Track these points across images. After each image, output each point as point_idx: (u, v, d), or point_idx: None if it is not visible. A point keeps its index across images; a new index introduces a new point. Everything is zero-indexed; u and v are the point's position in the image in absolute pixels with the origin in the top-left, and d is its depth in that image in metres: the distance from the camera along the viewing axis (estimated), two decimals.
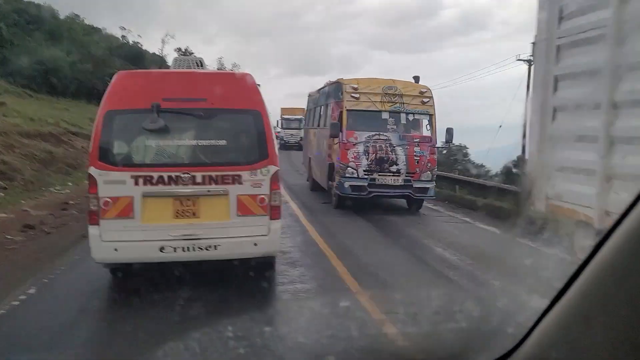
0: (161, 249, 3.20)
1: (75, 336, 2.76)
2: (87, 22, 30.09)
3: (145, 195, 3.22)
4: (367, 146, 6.94)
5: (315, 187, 9.08)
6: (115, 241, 3.18)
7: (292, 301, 3.38)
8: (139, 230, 3.20)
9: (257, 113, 3.39)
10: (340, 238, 5.48)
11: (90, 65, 23.19)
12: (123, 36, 33.57)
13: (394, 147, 6.98)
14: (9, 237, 5.01)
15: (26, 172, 8.37)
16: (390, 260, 4.75)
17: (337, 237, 5.47)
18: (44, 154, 9.90)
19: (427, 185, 7.09)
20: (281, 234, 3.62)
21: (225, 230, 3.29)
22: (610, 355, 0.60)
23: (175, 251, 3.22)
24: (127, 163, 3.27)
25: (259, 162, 3.35)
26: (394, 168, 6.97)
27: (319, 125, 8.93)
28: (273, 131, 3.59)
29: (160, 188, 3.23)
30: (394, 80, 7.41)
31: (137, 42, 34.62)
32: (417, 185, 7.02)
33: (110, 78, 3.46)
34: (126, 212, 3.18)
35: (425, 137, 7.26)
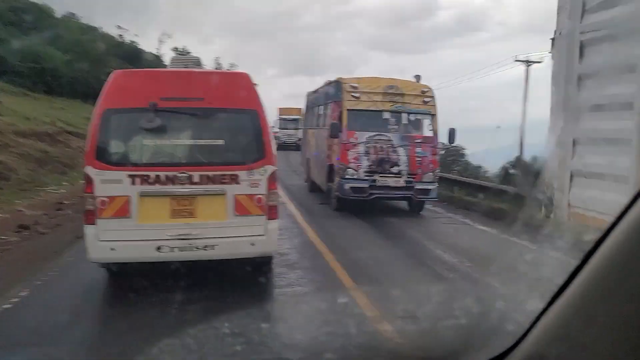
0: (158, 249, 3.22)
1: (69, 339, 2.76)
2: (83, 21, 30.22)
3: (142, 195, 3.23)
4: (368, 147, 6.90)
5: (313, 188, 9.05)
6: (112, 241, 3.20)
7: (289, 303, 3.38)
8: (136, 229, 3.22)
9: (255, 112, 3.41)
10: (339, 240, 5.48)
11: (87, 65, 23.26)
12: (120, 35, 33.74)
13: (395, 147, 6.94)
14: (3, 237, 5.01)
15: (21, 172, 8.38)
16: (389, 261, 4.75)
17: (336, 239, 5.47)
18: (40, 154, 9.91)
19: (429, 187, 7.04)
20: (279, 235, 3.63)
21: (222, 230, 3.31)
22: (610, 352, 0.60)
23: (172, 251, 3.24)
24: (124, 162, 3.29)
25: (256, 161, 3.37)
26: (395, 169, 6.92)
27: (318, 126, 8.89)
28: (271, 131, 3.61)
29: (157, 187, 3.25)
30: (394, 80, 7.37)
31: (134, 42, 34.81)
32: (419, 186, 6.97)
33: (107, 77, 3.47)
34: (123, 211, 3.19)
35: (427, 137, 7.21)
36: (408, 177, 6.94)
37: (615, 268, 0.59)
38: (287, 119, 22.64)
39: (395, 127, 7.11)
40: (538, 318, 0.71)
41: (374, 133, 6.94)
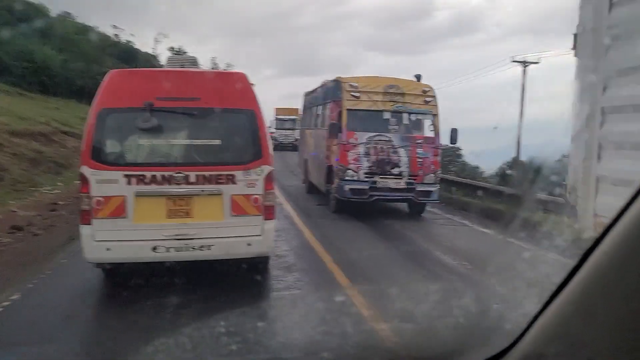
0: (154, 249, 3.23)
1: (60, 343, 2.75)
2: (78, 20, 30.33)
3: (138, 195, 3.25)
4: (368, 147, 6.84)
5: (311, 189, 9.02)
6: (108, 241, 3.22)
7: (288, 306, 3.38)
8: (132, 229, 3.23)
9: (252, 112, 3.44)
10: (337, 241, 5.48)
11: (82, 64, 23.31)
12: (115, 35, 33.87)
13: (396, 148, 6.89)
14: None
15: (15, 172, 8.39)
16: (388, 263, 4.76)
17: (334, 241, 5.47)
18: (34, 154, 9.92)
19: (431, 189, 6.98)
20: (276, 237, 3.63)
21: (218, 230, 3.33)
22: (609, 350, 0.61)
23: (168, 251, 3.25)
24: (120, 162, 3.31)
25: (253, 161, 3.40)
26: (396, 170, 6.87)
27: (316, 126, 8.85)
28: (267, 131, 3.63)
29: (153, 187, 3.27)
30: (395, 79, 7.32)
31: (130, 41, 34.95)
32: (420, 188, 6.91)
33: (102, 77, 3.49)
34: (119, 211, 3.21)
35: (428, 138, 7.16)
36: (409, 179, 6.90)
37: (614, 267, 0.60)
38: (284, 119, 22.80)
39: (396, 127, 7.06)
40: (536, 317, 0.72)
41: (374, 133, 6.89)
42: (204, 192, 3.34)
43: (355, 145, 6.83)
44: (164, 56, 34.66)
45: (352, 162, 6.82)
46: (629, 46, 2.98)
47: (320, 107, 8.64)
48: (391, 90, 7.06)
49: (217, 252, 3.34)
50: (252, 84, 3.61)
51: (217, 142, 3.49)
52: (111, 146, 3.35)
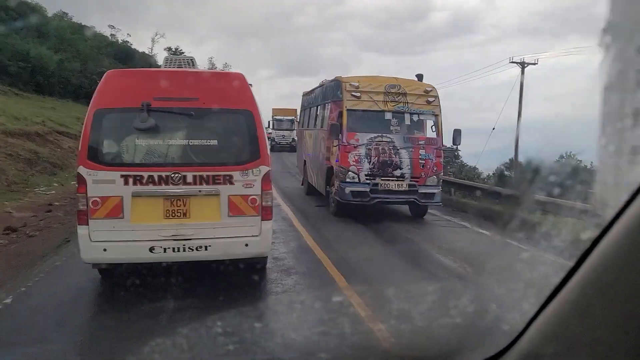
0: (151, 250, 3.26)
1: (52, 349, 2.75)
2: (75, 20, 30.51)
3: (135, 195, 3.27)
4: (369, 149, 6.77)
5: (310, 191, 8.98)
6: (104, 241, 3.24)
7: (286, 310, 3.39)
8: (129, 230, 3.26)
9: (249, 113, 3.48)
10: (336, 243, 5.49)
11: (78, 64, 23.42)
12: (112, 34, 34.07)
13: (398, 149, 6.83)
14: None
15: (10, 172, 8.41)
16: (388, 264, 4.77)
17: (333, 243, 5.48)
18: (29, 154, 9.96)
19: (433, 191, 6.93)
20: (274, 239, 3.65)
21: (216, 230, 3.36)
22: (606, 351, 0.62)
23: (165, 252, 3.28)
24: (117, 162, 3.33)
25: (250, 162, 3.43)
26: (397, 172, 6.81)
27: (315, 126, 8.81)
28: (265, 131, 3.65)
29: (150, 188, 3.29)
30: (396, 79, 7.15)
31: (127, 41, 35.16)
32: (422, 190, 6.83)
33: (99, 77, 3.53)
34: (115, 212, 3.24)
35: (430, 139, 7.10)
36: (411, 181, 6.84)
37: (611, 268, 0.61)
38: (282, 120, 22.99)
39: (398, 128, 7.01)
40: (534, 317, 0.73)
41: (376, 134, 6.84)
42: (201, 192, 3.36)
43: (356, 147, 6.78)
44: (160, 56, 34.99)
45: (353, 163, 6.77)
46: None
47: (319, 108, 8.60)
48: (393, 90, 7.00)
49: (214, 252, 3.37)
50: (250, 84, 3.65)
51: (215, 142, 3.52)
52: (108, 146, 3.38)
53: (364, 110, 6.96)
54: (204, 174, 3.36)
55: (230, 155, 3.52)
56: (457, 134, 7.25)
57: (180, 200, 3.34)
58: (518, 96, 17.63)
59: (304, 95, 10.73)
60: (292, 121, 22.37)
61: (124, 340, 2.56)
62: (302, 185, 9.91)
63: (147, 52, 37.21)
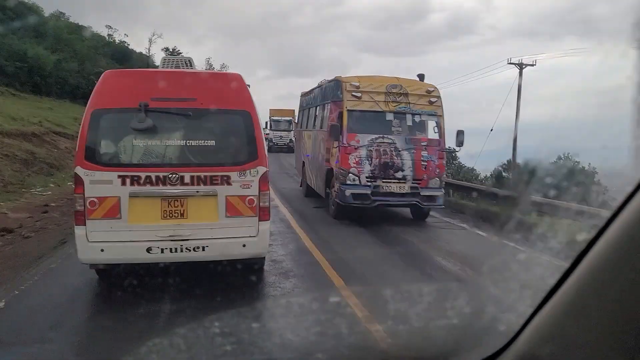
0: (148, 250, 3.29)
1: (50, 348, 2.77)
2: (72, 19, 30.71)
3: (133, 196, 3.31)
4: (370, 150, 6.67)
5: (309, 193, 8.95)
6: (102, 242, 3.27)
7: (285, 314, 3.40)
8: (126, 230, 3.29)
9: (247, 113, 3.51)
10: (334, 245, 5.51)
11: (76, 64, 23.54)
12: (109, 35, 34.29)
13: (400, 151, 6.77)
14: None
15: (6, 173, 8.45)
16: (386, 265, 4.79)
17: (331, 245, 5.49)
18: (26, 154, 10.00)
19: (436, 193, 6.87)
20: (272, 241, 3.66)
21: (213, 231, 3.39)
22: (602, 351, 0.63)
23: (162, 252, 3.31)
24: (114, 163, 3.37)
25: (248, 162, 3.47)
26: (399, 174, 6.74)
27: (314, 127, 8.77)
28: (262, 132, 3.69)
29: (147, 188, 3.32)
30: (398, 78, 7.09)
31: (124, 41, 35.37)
32: (424, 193, 6.75)
33: (96, 77, 3.58)
34: (113, 212, 3.27)
35: (433, 140, 7.05)
36: (413, 183, 6.78)
37: (607, 268, 0.62)
38: (279, 120, 23.14)
39: (399, 129, 6.95)
40: (530, 318, 0.75)
41: (377, 135, 6.77)
42: (198, 193, 3.40)
43: (356, 148, 6.72)
44: (158, 56, 35.23)
45: (354, 165, 6.70)
46: None
47: (318, 108, 8.55)
48: (394, 90, 6.94)
49: (211, 253, 3.40)
50: (248, 85, 3.68)
51: (212, 142, 3.55)
52: (105, 147, 3.41)
53: (364, 111, 6.89)
54: (202, 174, 3.39)
55: (228, 155, 3.56)
56: (460, 135, 7.17)
57: (177, 200, 3.36)
58: (516, 97, 17.75)
59: (302, 96, 10.68)
60: (289, 122, 22.55)
61: (121, 341, 2.58)
62: (300, 186, 9.88)
63: (144, 52, 37.48)
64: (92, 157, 3.31)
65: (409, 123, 7.07)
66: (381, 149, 6.76)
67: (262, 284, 3.95)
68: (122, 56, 32.19)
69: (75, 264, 3.53)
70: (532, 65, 18.36)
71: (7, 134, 10.43)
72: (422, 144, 6.95)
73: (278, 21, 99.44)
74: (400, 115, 6.99)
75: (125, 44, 36.16)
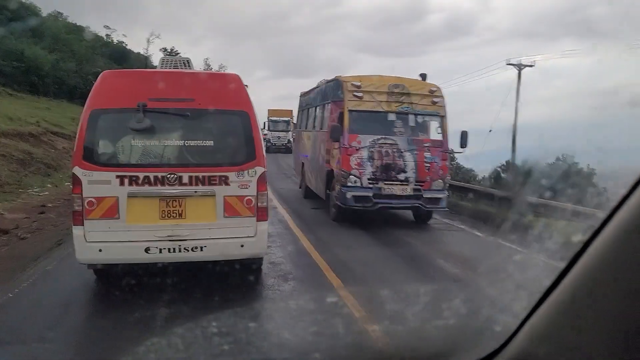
0: (146, 250, 3.33)
1: (48, 347, 2.79)
2: (70, 20, 30.92)
3: (131, 196, 3.34)
4: (372, 151, 6.59)
5: (308, 194, 8.93)
6: (100, 242, 3.31)
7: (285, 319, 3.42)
8: (124, 230, 3.33)
9: (245, 114, 3.56)
10: (333, 247, 5.51)
11: (73, 64, 23.68)
12: (107, 35, 34.52)
13: (402, 152, 6.71)
14: None
15: (2, 173, 8.50)
16: (384, 266, 4.81)
17: (330, 246, 5.51)
18: (23, 155, 10.06)
19: (439, 195, 6.80)
20: (271, 242, 3.68)
21: (211, 231, 3.43)
22: (598, 352, 0.65)
23: (160, 252, 3.35)
24: (112, 163, 3.41)
25: (246, 163, 3.51)
26: (402, 176, 6.67)
27: (314, 128, 8.74)
28: (261, 132, 3.73)
29: (146, 188, 3.36)
30: (400, 78, 7.03)
31: (122, 42, 35.60)
32: (427, 195, 6.67)
33: (94, 77, 3.62)
34: (111, 212, 3.31)
35: (436, 141, 7.00)
36: (416, 185, 6.72)
37: (602, 270, 0.64)
38: (277, 121, 23.27)
39: (402, 129, 6.89)
40: (526, 319, 0.76)
41: (378, 136, 6.72)
42: (197, 193, 3.44)
43: (357, 149, 6.66)
44: (156, 57, 35.45)
45: (355, 167, 6.63)
46: None
47: (318, 108, 8.51)
48: (396, 90, 6.89)
49: (209, 253, 3.44)
50: (246, 85, 3.72)
51: (210, 143, 3.60)
52: (104, 147, 3.45)
53: (366, 111, 6.83)
54: (200, 174, 3.43)
55: (226, 156, 3.60)
56: (464, 136, 7.10)
57: (176, 200, 3.40)
58: (514, 98, 17.83)
59: (301, 96, 10.63)
60: (287, 122, 22.71)
61: (119, 340, 2.59)
62: (299, 188, 9.86)
63: (142, 52, 37.69)
64: (90, 157, 3.35)
65: (412, 124, 7.01)
66: (383, 150, 6.70)
67: (261, 284, 3.98)
68: (120, 56, 32.40)
69: (72, 266, 3.56)
70: (531, 66, 18.47)
71: (4, 134, 10.50)
72: (425, 145, 6.90)
73: (276, 22, 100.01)
74: (403, 115, 6.93)
75: (124, 44, 36.41)
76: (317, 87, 9.04)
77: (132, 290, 3.43)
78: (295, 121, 13.88)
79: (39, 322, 3.17)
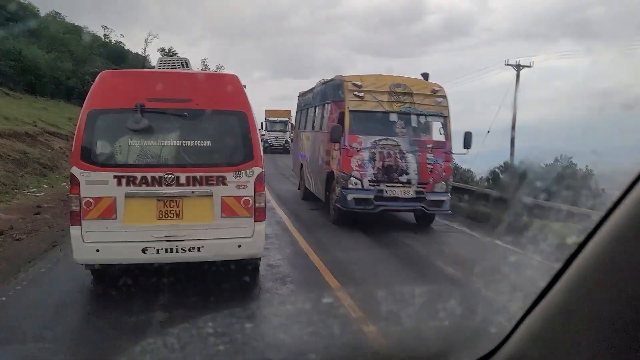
0: (144, 250, 3.37)
1: (45, 346, 2.80)
2: (68, 20, 31.10)
3: (128, 196, 3.38)
4: (373, 153, 6.51)
5: (307, 196, 8.90)
6: (97, 242, 3.35)
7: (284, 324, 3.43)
8: (122, 231, 3.37)
9: (243, 114, 3.60)
10: (332, 248, 5.53)
11: (71, 64, 23.79)
12: (105, 35, 34.71)
13: (404, 153, 6.63)
14: None
15: None
16: (383, 268, 4.83)
17: (329, 248, 5.52)
18: (19, 155, 10.09)
19: (442, 198, 6.75)
20: (268, 244, 3.70)
21: (209, 231, 3.47)
22: (593, 353, 0.66)
23: (157, 252, 3.39)
24: (110, 163, 3.45)
25: (243, 163, 3.55)
26: (404, 178, 6.56)
27: (313, 128, 8.58)
28: (258, 133, 3.77)
29: (143, 189, 3.40)
30: (402, 77, 6.95)
31: (120, 42, 35.79)
32: (430, 197, 6.61)
33: (91, 77, 3.67)
34: (108, 212, 3.35)
35: (439, 142, 6.92)
36: (418, 187, 6.66)
37: (597, 271, 0.65)
38: (275, 121, 23.41)
39: (404, 130, 6.83)
40: (521, 320, 0.78)
41: (380, 137, 6.64)
42: (194, 193, 3.47)
43: (358, 150, 6.59)
44: (154, 57, 35.65)
45: (356, 168, 6.56)
46: None
47: (318, 108, 8.45)
48: (398, 90, 6.82)
49: (207, 253, 3.48)
50: (244, 86, 3.76)
51: (208, 143, 3.64)
52: (101, 147, 3.49)
53: (367, 112, 6.75)
54: (197, 175, 3.47)
55: (224, 156, 3.64)
56: (468, 136, 7.05)
57: (173, 201, 3.44)
58: (513, 99, 17.91)
59: (300, 96, 10.58)
60: (285, 123, 22.83)
61: (115, 341, 2.61)
62: (298, 189, 9.82)
63: (140, 53, 37.90)
64: (88, 157, 3.39)
65: (414, 124, 6.95)
66: (385, 152, 6.63)
67: (258, 285, 4.01)
68: (118, 56, 32.57)
69: (67, 267, 3.57)
70: (529, 66, 18.61)
71: (0, 134, 10.54)
72: (428, 146, 6.83)
73: (274, 22, 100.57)
74: (405, 116, 6.86)
75: (122, 45, 36.61)
76: (316, 86, 9.01)
77: (129, 290, 3.45)
78: (293, 122, 13.89)
79: (34, 324, 3.18)
